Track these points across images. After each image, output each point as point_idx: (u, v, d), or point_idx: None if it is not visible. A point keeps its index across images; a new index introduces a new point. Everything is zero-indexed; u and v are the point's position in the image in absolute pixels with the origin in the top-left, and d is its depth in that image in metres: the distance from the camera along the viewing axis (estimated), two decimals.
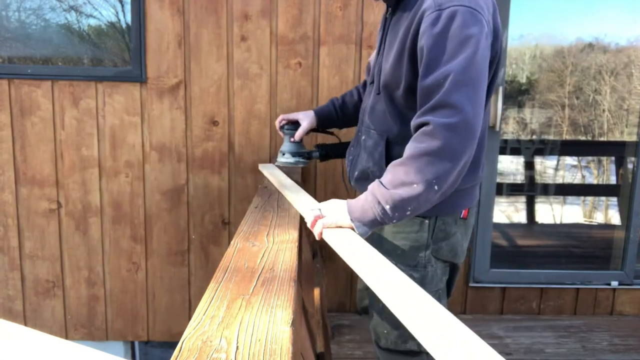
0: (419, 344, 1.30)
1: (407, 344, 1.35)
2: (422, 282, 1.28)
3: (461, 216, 1.32)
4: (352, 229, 1.11)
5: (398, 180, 1.06)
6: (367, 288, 1.56)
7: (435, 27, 1.07)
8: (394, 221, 1.10)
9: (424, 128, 1.05)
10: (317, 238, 1.14)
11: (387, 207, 1.07)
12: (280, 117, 1.80)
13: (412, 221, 1.28)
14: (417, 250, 1.29)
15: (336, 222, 1.13)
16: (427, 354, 1.36)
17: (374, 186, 1.11)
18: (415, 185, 1.04)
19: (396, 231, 1.31)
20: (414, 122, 1.10)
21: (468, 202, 1.33)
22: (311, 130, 1.79)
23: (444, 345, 0.63)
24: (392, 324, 1.35)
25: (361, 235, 1.10)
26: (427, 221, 1.28)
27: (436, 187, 1.04)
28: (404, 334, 1.34)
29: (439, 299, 1.32)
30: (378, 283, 0.83)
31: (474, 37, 1.05)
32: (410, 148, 1.07)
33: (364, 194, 1.13)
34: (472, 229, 1.42)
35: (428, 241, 1.28)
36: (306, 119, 1.72)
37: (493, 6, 1.16)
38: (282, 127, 1.77)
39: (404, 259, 1.30)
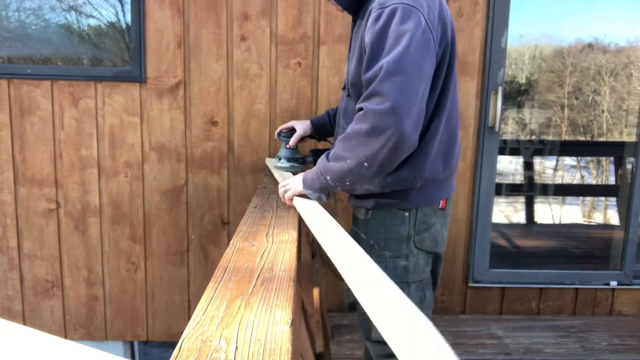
0: None
1: None
2: (406, 271, 1.36)
3: (439, 207, 1.39)
4: (307, 196, 1.34)
5: (337, 155, 1.23)
6: None
7: (377, 24, 1.17)
8: (339, 189, 1.28)
9: (359, 112, 1.18)
10: (286, 203, 1.41)
11: (328, 177, 1.25)
12: (279, 127, 1.91)
13: (394, 214, 1.36)
14: (399, 242, 1.35)
15: (294, 190, 1.36)
16: None
17: (322, 159, 1.29)
18: (348, 161, 1.19)
19: (379, 225, 1.38)
20: (356, 107, 1.23)
21: (444, 192, 1.40)
22: (309, 138, 1.88)
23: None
24: None
25: (317, 199, 1.34)
26: (407, 214, 1.35)
27: (366, 164, 1.17)
28: None
29: (423, 290, 1.40)
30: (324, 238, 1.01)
31: (408, 32, 1.13)
32: (349, 128, 1.21)
33: (316, 165, 1.32)
34: (449, 218, 1.49)
35: (409, 232, 1.35)
36: (301, 126, 1.83)
37: (439, 2, 1.25)
38: (279, 135, 1.88)
39: (387, 250, 1.37)
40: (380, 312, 0.65)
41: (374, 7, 1.20)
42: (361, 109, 1.18)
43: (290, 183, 1.40)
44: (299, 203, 1.33)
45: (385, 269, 1.32)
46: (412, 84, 1.13)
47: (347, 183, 1.24)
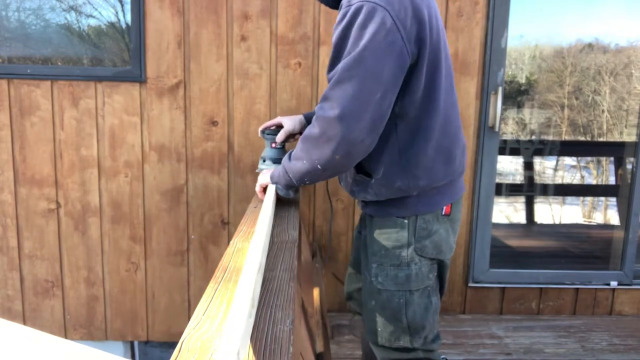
0: (411, 340, 1.36)
1: (400, 341, 1.36)
2: (408, 280, 1.31)
3: (443, 213, 1.33)
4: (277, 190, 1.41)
5: (296, 155, 1.27)
6: (355, 273, 1.62)
7: (341, 24, 1.16)
8: (301, 185, 1.32)
9: (315, 116, 1.20)
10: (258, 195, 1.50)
11: (290, 175, 1.30)
12: (264, 124, 1.71)
13: (393, 222, 1.31)
14: (400, 249, 1.31)
15: (264, 183, 1.45)
16: (423, 350, 1.39)
17: (285, 158, 1.33)
18: (304, 162, 1.23)
19: (379, 232, 1.34)
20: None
21: (447, 198, 1.34)
22: (300, 135, 1.65)
23: None
24: (384, 321, 1.36)
25: (285, 195, 1.41)
26: (406, 221, 1.30)
27: (319, 167, 1.20)
28: (397, 331, 1.35)
29: (428, 296, 1.34)
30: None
31: (368, 34, 1.10)
32: (306, 129, 1.23)
33: (282, 162, 1.36)
34: (459, 223, 1.42)
35: (409, 240, 1.30)
36: (289, 122, 1.63)
37: None
38: (262, 132, 1.66)
39: (388, 258, 1.32)
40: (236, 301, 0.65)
41: (342, 4, 1.18)
42: (316, 112, 1.20)
43: (261, 177, 1.47)
44: (267, 193, 1.38)
45: (386, 277, 1.33)
46: (365, 90, 1.11)
47: (307, 181, 1.28)
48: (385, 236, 1.33)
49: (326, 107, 1.14)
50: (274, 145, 1.63)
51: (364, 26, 1.10)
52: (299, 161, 1.24)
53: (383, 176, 1.27)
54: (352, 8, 1.12)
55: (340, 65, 1.13)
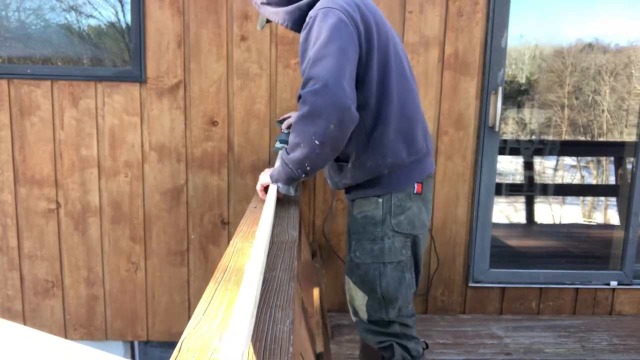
0: (386, 311, 1.47)
1: (378, 314, 1.48)
2: (382, 252, 1.45)
3: (415, 192, 1.47)
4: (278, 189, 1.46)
5: (292, 144, 1.32)
6: None
7: (305, 29, 1.34)
8: (304, 176, 1.37)
9: (300, 100, 1.28)
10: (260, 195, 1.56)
11: (290, 166, 1.35)
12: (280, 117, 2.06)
13: (369, 201, 1.46)
14: (374, 225, 1.45)
15: (264, 182, 1.50)
16: (399, 323, 1.48)
17: (283, 152, 1.40)
18: (302, 145, 1.28)
19: (358, 212, 1.49)
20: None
21: (417, 176, 1.47)
22: None
23: None
24: (363, 294, 1.49)
25: (286, 193, 1.46)
26: (380, 200, 1.45)
27: (317, 142, 1.25)
28: (373, 303, 1.48)
29: (402, 271, 1.47)
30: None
31: (329, 25, 1.27)
32: (296, 115, 1.32)
33: (280, 159, 1.43)
34: (430, 203, 1.55)
35: (384, 217, 1.45)
36: (294, 114, 1.95)
37: (357, 7, 1.37)
38: (277, 122, 2.04)
39: (365, 234, 1.47)
40: (242, 293, 0.67)
41: (307, 17, 1.36)
42: (300, 96, 1.28)
43: (262, 177, 1.53)
44: (269, 194, 1.42)
45: (363, 251, 1.46)
46: (339, 64, 1.24)
47: (308, 167, 1.33)
48: (363, 214, 1.47)
49: (310, 84, 1.24)
50: (282, 130, 2.01)
51: (324, 21, 1.28)
52: (296, 148, 1.30)
53: (356, 159, 1.43)
54: (313, 17, 1.31)
55: (312, 51, 1.26)
